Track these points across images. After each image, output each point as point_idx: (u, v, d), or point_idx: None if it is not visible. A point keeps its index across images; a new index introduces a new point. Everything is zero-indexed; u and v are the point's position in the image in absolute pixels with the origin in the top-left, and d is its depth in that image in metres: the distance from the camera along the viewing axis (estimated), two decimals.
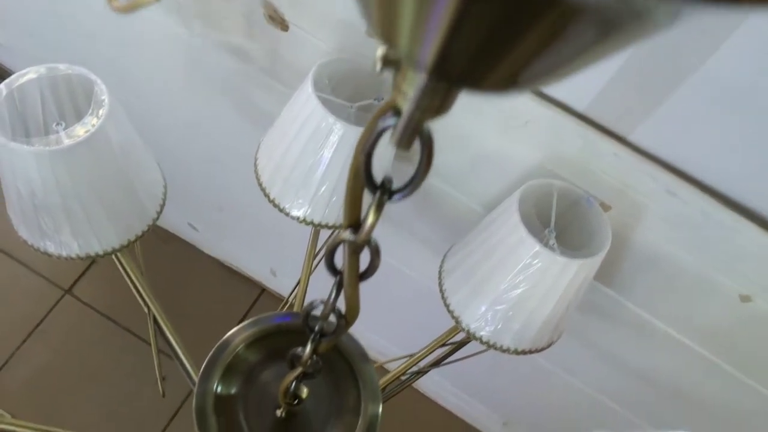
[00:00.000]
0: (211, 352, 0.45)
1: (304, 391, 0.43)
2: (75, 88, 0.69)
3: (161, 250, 1.57)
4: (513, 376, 1.27)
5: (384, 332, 1.40)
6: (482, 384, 1.39)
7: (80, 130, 0.62)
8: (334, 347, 0.49)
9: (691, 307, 0.79)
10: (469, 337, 0.78)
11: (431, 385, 1.53)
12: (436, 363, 0.90)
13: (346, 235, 0.25)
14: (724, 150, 0.64)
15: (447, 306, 0.79)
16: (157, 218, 0.76)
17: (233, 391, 0.46)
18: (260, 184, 0.80)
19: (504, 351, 0.77)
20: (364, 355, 0.53)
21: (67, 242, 0.71)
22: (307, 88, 0.70)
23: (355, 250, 0.26)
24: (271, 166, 0.78)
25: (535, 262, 0.69)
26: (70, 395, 1.41)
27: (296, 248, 1.04)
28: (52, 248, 0.72)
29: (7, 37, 1.46)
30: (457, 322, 0.78)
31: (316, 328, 0.34)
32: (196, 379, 0.52)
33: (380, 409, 0.50)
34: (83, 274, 1.56)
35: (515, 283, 0.71)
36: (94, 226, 0.70)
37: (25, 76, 0.65)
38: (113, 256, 0.78)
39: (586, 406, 1.16)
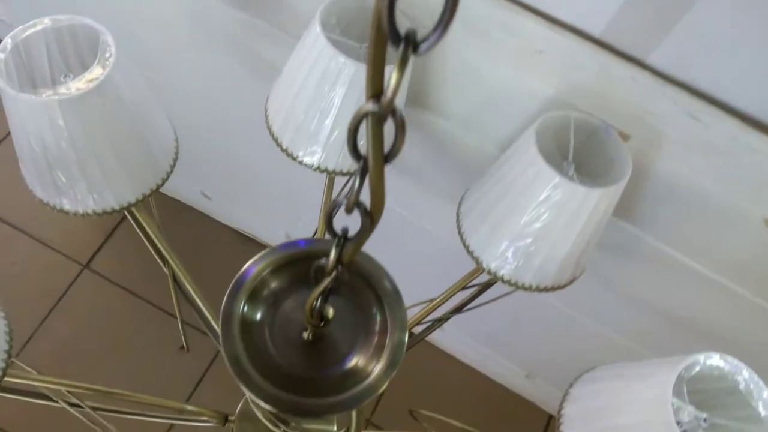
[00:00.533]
0: (234, 279, 0.45)
1: (330, 311, 0.43)
2: (80, 41, 0.68)
3: (176, 222, 1.57)
4: (533, 326, 1.27)
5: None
6: (502, 337, 1.39)
7: (88, 78, 0.61)
8: (360, 276, 0.48)
9: (714, 236, 0.78)
10: (491, 277, 0.77)
11: (451, 341, 1.53)
12: (458, 309, 0.89)
13: (369, 105, 0.24)
14: (748, 67, 0.61)
15: (467, 248, 0.78)
16: (171, 172, 0.76)
17: (258, 316, 0.46)
18: (272, 134, 0.79)
19: (526, 289, 0.76)
20: (395, 289, 0.52)
21: (82, 198, 0.70)
22: (315, 29, 0.69)
23: (379, 119, 0.24)
24: (282, 114, 0.77)
25: (554, 194, 0.67)
26: (94, 367, 1.43)
27: (310, 210, 1.03)
28: (68, 205, 0.72)
29: (9, 12, 1.45)
30: (478, 262, 0.77)
31: (340, 231, 0.33)
32: (217, 329, 0.52)
33: (406, 337, 0.50)
34: (100, 248, 1.57)
35: (535, 217, 0.70)
36: (109, 180, 0.69)
37: (30, 28, 0.64)
38: (128, 214, 0.78)
39: (608, 352, 1.16)
